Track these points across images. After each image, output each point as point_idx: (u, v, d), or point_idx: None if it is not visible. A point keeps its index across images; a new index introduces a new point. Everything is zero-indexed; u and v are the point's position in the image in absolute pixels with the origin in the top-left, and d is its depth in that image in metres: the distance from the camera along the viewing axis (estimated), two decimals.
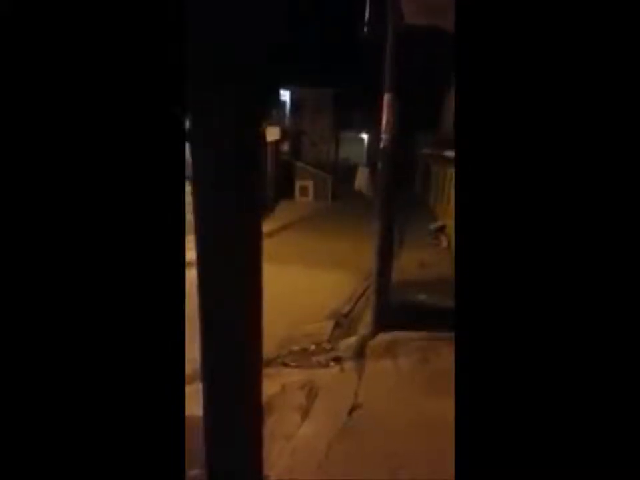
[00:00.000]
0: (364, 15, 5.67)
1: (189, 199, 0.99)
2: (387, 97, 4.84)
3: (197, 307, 1.06)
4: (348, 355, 4.61)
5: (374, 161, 14.10)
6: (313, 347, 4.90)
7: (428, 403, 3.48)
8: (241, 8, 0.88)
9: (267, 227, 11.29)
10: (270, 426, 3.25)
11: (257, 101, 0.96)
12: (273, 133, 15.55)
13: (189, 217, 0.99)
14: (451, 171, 10.83)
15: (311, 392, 3.82)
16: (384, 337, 4.85)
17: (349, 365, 4.40)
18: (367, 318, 5.35)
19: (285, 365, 4.48)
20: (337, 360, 4.54)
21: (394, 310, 5.16)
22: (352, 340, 4.97)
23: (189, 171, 0.95)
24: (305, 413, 3.50)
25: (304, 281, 7.31)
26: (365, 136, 23.67)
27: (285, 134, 17.85)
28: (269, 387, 3.80)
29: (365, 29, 5.67)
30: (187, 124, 0.94)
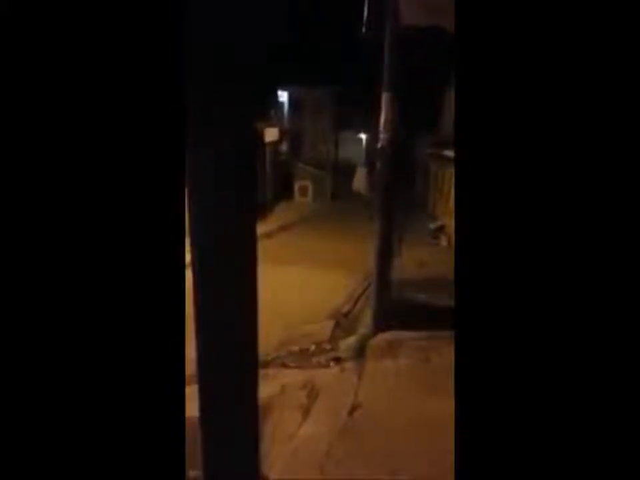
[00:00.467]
0: (363, 15, 5.68)
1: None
2: (385, 97, 4.84)
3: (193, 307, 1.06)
4: (348, 355, 4.62)
5: (372, 160, 14.11)
6: (313, 347, 4.90)
7: (428, 402, 3.48)
8: (240, 8, 0.88)
9: (266, 227, 11.30)
10: (271, 426, 3.25)
11: (256, 101, 0.96)
12: (271, 134, 15.56)
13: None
14: (450, 171, 10.85)
15: (312, 392, 3.83)
16: (384, 337, 4.85)
17: (349, 365, 4.40)
18: (367, 318, 5.36)
19: (285, 365, 4.49)
20: (337, 360, 4.55)
21: (394, 309, 5.17)
22: (352, 340, 4.98)
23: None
24: (306, 413, 3.50)
25: (303, 281, 7.31)
26: (363, 136, 23.67)
27: (283, 134, 17.86)
28: (270, 387, 3.81)
29: (364, 29, 5.68)
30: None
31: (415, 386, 3.83)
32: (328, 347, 4.92)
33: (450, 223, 10.30)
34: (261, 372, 3.03)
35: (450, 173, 11.08)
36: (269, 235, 10.75)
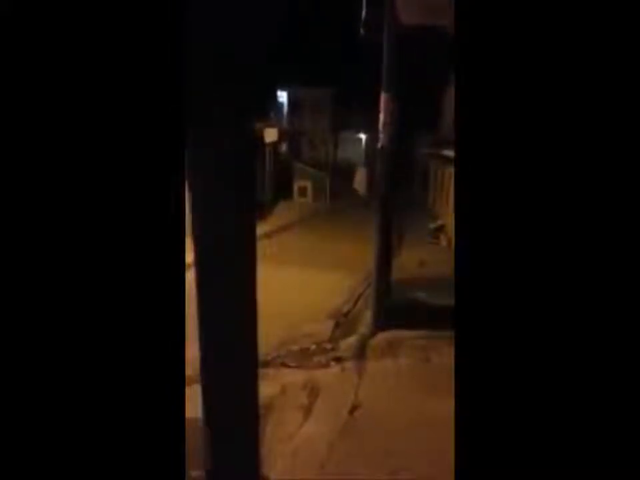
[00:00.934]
0: (361, 15, 5.67)
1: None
2: (384, 97, 4.84)
3: (196, 307, 1.06)
4: (348, 354, 4.62)
5: (372, 161, 14.12)
6: (313, 346, 4.90)
7: (429, 402, 3.48)
8: (240, 8, 0.88)
9: (265, 227, 11.30)
10: (271, 426, 3.25)
11: (255, 101, 0.96)
12: (271, 134, 15.56)
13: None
14: (450, 170, 10.85)
15: (312, 392, 3.83)
16: (384, 336, 4.86)
17: (349, 364, 4.40)
18: (367, 317, 5.36)
19: (286, 365, 4.49)
20: (338, 360, 4.55)
21: (394, 309, 5.17)
22: (352, 339, 4.98)
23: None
24: (307, 413, 3.50)
25: (303, 281, 7.31)
26: (363, 136, 23.67)
27: (283, 135, 17.86)
28: (270, 387, 3.81)
29: (362, 29, 5.68)
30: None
31: (416, 385, 3.84)
32: (328, 346, 4.92)
33: (450, 223, 10.30)
34: (262, 372, 3.02)
35: (450, 173, 11.09)
36: (268, 235, 10.75)
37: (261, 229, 10.28)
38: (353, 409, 3.51)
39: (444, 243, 10.25)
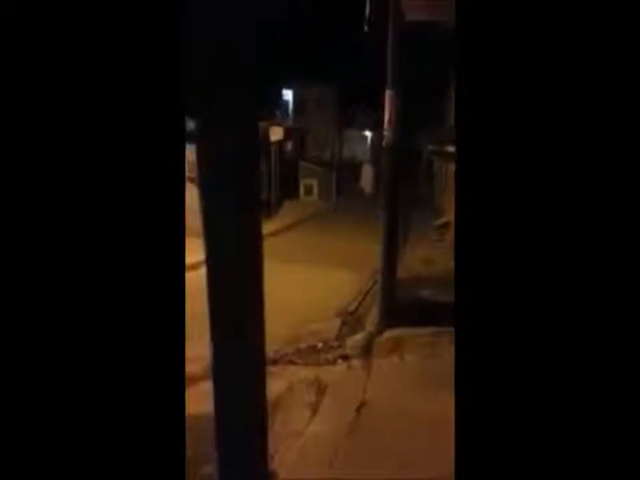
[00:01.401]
0: (365, 12, 5.66)
1: (189, 199, 1.00)
2: (388, 94, 4.83)
3: (200, 307, 1.07)
4: (355, 352, 4.61)
5: (378, 158, 14.06)
6: (320, 344, 4.90)
7: (436, 399, 3.47)
8: (240, 8, 0.89)
9: (272, 226, 11.30)
10: (279, 423, 3.26)
11: (257, 101, 0.97)
12: (276, 133, 15.55)
13: (190, 217, 0.99)
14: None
15: (320, 389, 3.83)
16: (391, 334, 4.85)
17: (356, 362, 4.40)
18: (374, 315, 5.35)
19: (293, 363, 4.49)
20: (345, 357, 4.55)
21: (400, 306, 5.16)
22: (359, 337, 4.97)
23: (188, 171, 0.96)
24: (314, 410, 3.51)
25: (310, 279, 7.31)
26: (369, 134, 23.61)
27: (288, 133, 17.84)
28: (278, 384, 3.82)
29: (365, 27, 5.66)
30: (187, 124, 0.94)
31: (422, 383, 3.83)
32: (335, 344, 4.92)
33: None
34: (269, 369, 3.02)
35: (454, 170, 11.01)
36: (274, 234, 10.75)
37: (267, 227, 10.27)
38: (360, 406, 3.51)
39: (449, 240, 10.20)
